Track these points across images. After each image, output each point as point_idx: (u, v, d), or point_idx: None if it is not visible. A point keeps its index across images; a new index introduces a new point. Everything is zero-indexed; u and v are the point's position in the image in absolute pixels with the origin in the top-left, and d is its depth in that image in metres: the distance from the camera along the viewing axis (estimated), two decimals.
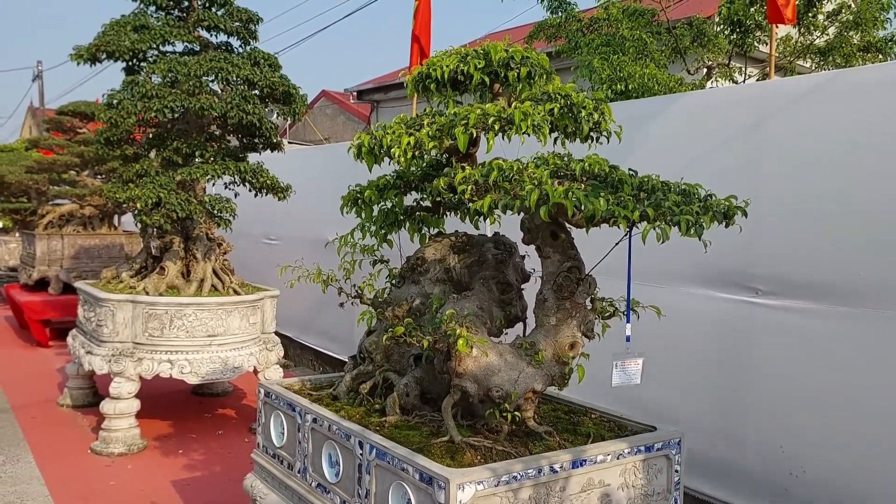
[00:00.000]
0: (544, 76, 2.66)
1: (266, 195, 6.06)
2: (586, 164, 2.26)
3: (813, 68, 7.85)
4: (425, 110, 2.64)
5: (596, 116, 2.54)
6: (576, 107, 2.52)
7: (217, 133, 6.13)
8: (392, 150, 2.43)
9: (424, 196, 3.15)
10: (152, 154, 6.00)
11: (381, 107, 16.76)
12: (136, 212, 5.54)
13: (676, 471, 2.74)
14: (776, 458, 3.90)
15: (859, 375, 3.46)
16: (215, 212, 5.67)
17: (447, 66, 2.57)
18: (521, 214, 2.53)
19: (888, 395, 3.33)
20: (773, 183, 3.86)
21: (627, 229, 2.24)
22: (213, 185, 5.88)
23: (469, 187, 2.28)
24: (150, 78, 5.49)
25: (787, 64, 7.87)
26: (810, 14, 7.22)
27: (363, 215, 2.94)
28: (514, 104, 2.39)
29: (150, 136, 6.04)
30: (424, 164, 2.91)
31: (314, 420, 2.85)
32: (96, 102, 10.16)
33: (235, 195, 5.99)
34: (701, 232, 2.12)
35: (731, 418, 4.07)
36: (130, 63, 5.98)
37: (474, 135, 2.40)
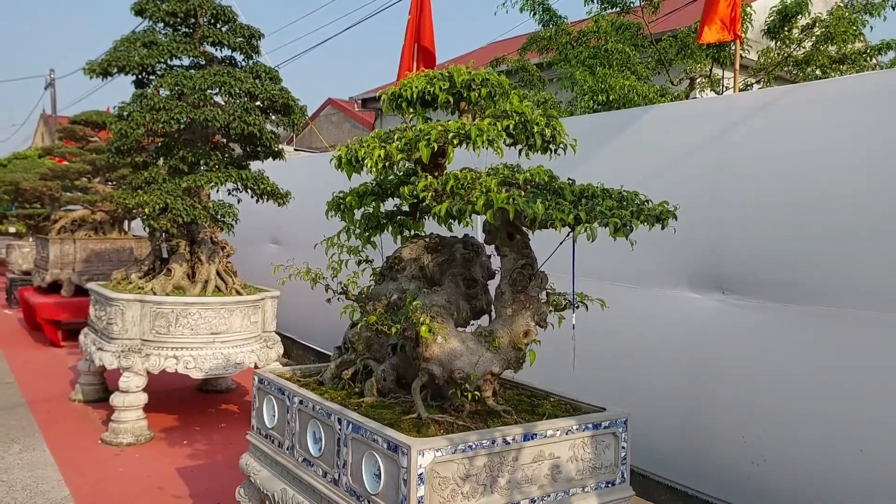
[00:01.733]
0: (505, 95, 3.00)
1: (266, 201, 6.42)
2: (529, 174, 2.60)
3: (792, 79, 8.15)
4: (398, 125, 2.98)
5: (548, 132, 2.87)
6: (529, 123, 2.85)
7: (221, 142, 6.50)
8: (365, 161, 2.77)
9: (402, 202, 3.49)
10: (160, 162, 6.37)
11: (386, 114, 17.12)
12: (145, 216, 5.90)
13: (623, 447, 3.05)
14: (739, 448, 4.19)
15: (818, 371, 3.72)
16: (219, 216, 6.03)
17: (416, 87, 2.91)
18: (483, 218, 2.86)
19: (845, 390, 3.58)
20: (736, 188, 4.17)
21: (569, 230, 2.57)
22: (218, 191, 6.24)
23: (430, 194, 2.62)
24: (158, 91, 5.85)
25: (767, 75, 8.18)
26: (785, 28, 7.54)
27: (346, 219, 3.27)
28: (475, 120, 2.73)
29: (158, 145, 6.41)
30: (401, 173, 3.25)
31: (301, 402, 3.19)
32: (107, 111, 10.56)
33: (238, 201, 6.34)
34: (629, 232, 2.44)
35: (698, 411, 4.36)
36: (140, 76, 6.37)
37: (435, 148, 2.73)
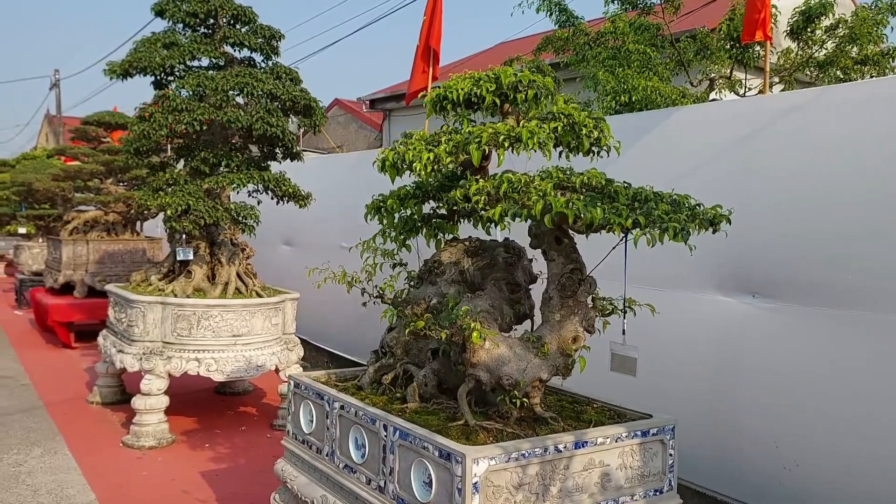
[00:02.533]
0: (549, 97, 2.96)
1: (287, 203, 6.38)
2: (585, 177, 2.56)
3: (813, 81, 8.11)
4: (442, 128, 2.94)
5: (596, 133, 2.83)
6: (577, 125, 2.81)
7: (238, 144, 6.46)
8: (413, 164, 2.73)
9: (440, 205, 3.45)
10: (180, 164, 6.34)
11: (394, 115, 17.10)
12: (166, 218, 5.86)
13: (670, 454, 3.01)
14: (771, 452, 4.15)
15: (850, 374, 3.67)
16: (240, 218, 5.99)
17: (462, 89, 2.87)
18: (529, 222, 2.82)
19: (880, 394, 3.54)
20: (766, 192, 4.13)
21: (622, 235, 2.53)
22: (238, 192, 6.20)
23: (482, 198, 2.58)
24: (180, 92, 5.81)
25: (788, 77, 8.13)
26: (808, 29, 7.50)
27: (385, 222, 3.23)
28: (521, 123, 2.69)
29: (177, 146, 6.37)
30: (441, 176, 3.21)
31: (342, 407, 3.15)
32: (114, 111, 10.53)
33: (258, 202, 6.30)
34: (687, 237, 2.40)
35: (727, 415, 4.32)
36: (158, 77, 6.33)
37: (486, 151, 2.69)
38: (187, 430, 6.05)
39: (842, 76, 7.58)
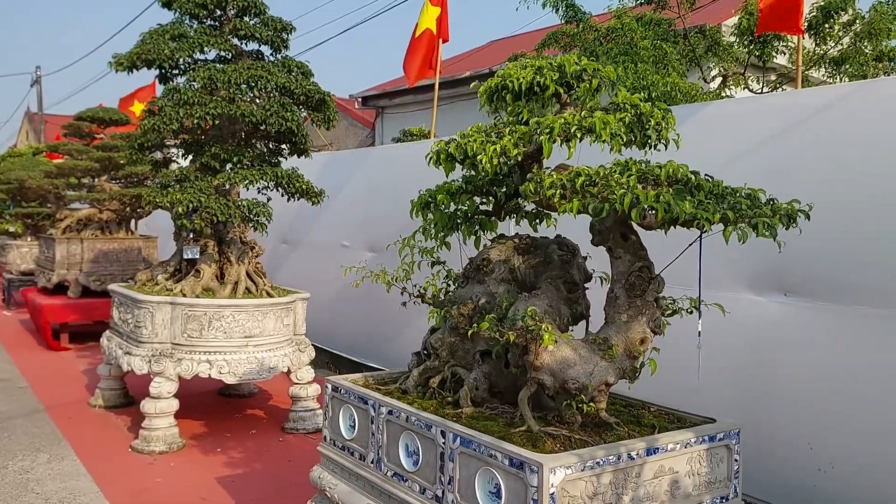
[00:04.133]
0: (612, 87, 2.83)
1: (298, 200, 6.20)
2: (669, 169, 2.43)
3: (826, 78, 8.07)
4: (502, 119, 2.80)
5: (663, 125, 2.71)
6: (644, 116, 2.68)
7: (245, 139, 6.27)
8: (478, 156, 2.59)
9: (485, 200, 3.31)
10: (188, 160, 6.14)
11: (386, 113, 16.93)
12: (176, 216, 5.67)
13: (735, 460, 2.90)
14: (805, 455, 4.06)
15: (889, 376, 3.59)
16: (252, 216, 5.81)
17: (524, 78, 2.73)
18: (592, 217, 2.68)
19: None
20: (801, 188, 4.03)
21: (700, 232, 2.40)
22: (248, 189, 6.02)
23: (557, 191, 2.44)
24: (191, 85, 5.62)
25: (802, 73, 8.07)
26: (826, 25, 7.44)
27: (434, 218, 3.09)
28: (596, 114, 2.56)
29: (184, 142, 6.18)
30: (491, 170, 3.07)
31: (389, 412, 3.00)
32: (100, 107, 10.27)
33: (268, 199, 6.13)
34: (775, 234, 2.28)
35: (761, 417, 4.22)
36: (164, 71, 6.14)
37: (558, 142, 2.56)
38: (197, 434, 5.86)
39: (855, 73, 7.54)
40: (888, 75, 7.60)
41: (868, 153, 3.70)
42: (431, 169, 3.06)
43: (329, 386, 3.44)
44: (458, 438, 2.63)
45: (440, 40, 8.01)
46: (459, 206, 3.08)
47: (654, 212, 2.24)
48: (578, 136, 2.53)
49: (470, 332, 2.72)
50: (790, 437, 4.07)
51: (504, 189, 3.07)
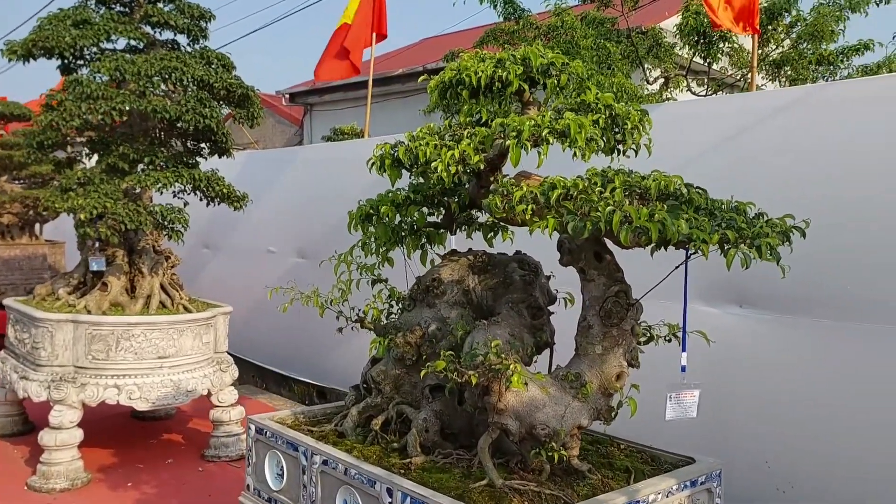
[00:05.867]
0: (581, 84, 2.47)
1: (219, 204, 5.66)
2: (661, 181, 2.07)
3: (765, 81, 7.98)
4: (459, 120, 2.40)
5: (640, 128, 2.36)
6: (620, 118, 2.32)
7: (160, 137, 5.69)
8: (433, 163, 2.18)
9: (432, 211, 2.91)
10: (93, 160, 5.53)
11: (315, 110, 16.33)
12: (78, 223, 5.06)
13: (717, 503, 2.58)
14: (763, 474, 3.85)
15: (849, 390, 3.47)
16: (166, 223, 5.24)
17: (484, 72, 2.33)
18: (570, 236, 2.31)
19: (878, 410, 3.36)
20: (752, 193, 3.81)
21: (686, 253, 2.07)
22: (161, 193, 5.44)
23: (528, 207, 2.05)
24: (95, 77, 5.02)
25: (739, 79, 7.97)
26: (770, 27, 7.33)
27: (377, 233, 2.67)
28: (567, 115, 2.18)
29: (88, 140, 5.56)
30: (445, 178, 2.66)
31: (325, 462, 2.56)
32: (1, 101, 9.42)
33: (185, 204, 5.56)
34: (779, 257, 1.95)
35: (715, 433, 3.99)
36: (67, 61, 5.51)
37: (529, 148, 2.18)
38: (105, 466, 5.25)
39: (795, 76, 7.46)
40: (827, 79, 7.57)
41: (821, 158, 3.53)
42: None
43: (252, 427, 2.97)
44: (408, 498, 2.22)
45: (374, 35, 7.58)
46: (406, 219, 2.66)
47: (646, 233, 1.88)
48: (550, 140, 2.15)
49: (424, 373, 2.30)
50: (747, 455, 3.87)
51: (457, 199, 2.66)
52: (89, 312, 5.10)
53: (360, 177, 6.68)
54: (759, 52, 7.66)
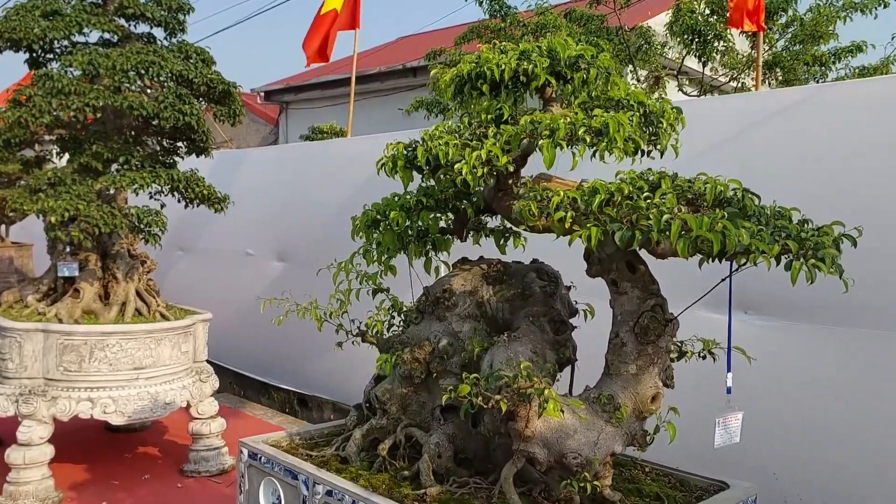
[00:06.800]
0: (607, 79, 2.26)
1: (198, 206, 5.39)
2: (717, 186, 1.87)
3: (755, 83, 7.86)
4: (480, 117, 2.18)
5: (676, 127, 2.17)
6: (654, 116, 2.13)
7: (134, 136, 5.40)
8: (456, 165, 1.96)
9: (441, 216, 2.69)
10: (64, 159, 5.22)
11: (291, 108, 16.01)
12: (49, 226, 4.76)
13: None
14: (770, 484, 3.71)
15: (860, 399, 3.37)
16: (143, 226, 4.95)
17: (508, 65, 2.12)
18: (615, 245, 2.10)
19: (882, 417, 3.27)
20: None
21: (742, 264, 1.87)
22: (137, 195, 5.15)
23: (568, 214, 1.85)
24: (66, 71, 4.72)
25: (730, 80, 7.85)
26: (766, 26, 7.21)
27: (384, 240, 2.44)
28: (596, 111, 1.98)
29: (60, 138, 5.25)
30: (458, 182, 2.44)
31: (329, 493, 2.33)
32: None
33: (162, 206, 5.28)
34: (842, 270, 1.77)
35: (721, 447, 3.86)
36: (35, 54, 5.20)
37: (563, 148, 1.97)
38: (77, 484, 4.95)
39: (786, 78, 7.35)
40: (818, 80, 7.49)
41: (827, 160, 3.40)
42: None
43: (245, 451, 2.73)
44: None
45: (356, 30, 7.34)
46: (415, 225, 2.44)
47: (704, 244, 1.68)
48: (587, 139, 1.95)
49: (445, 398, 2.07)
50: (753, 466, 3.73)
51: (472, 203, 2.45)
52: (60, 321, 4.80)
53: (343, 177, 6.49)
54: (753, 52, 7.56)
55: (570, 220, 1.85)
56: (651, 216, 1.74)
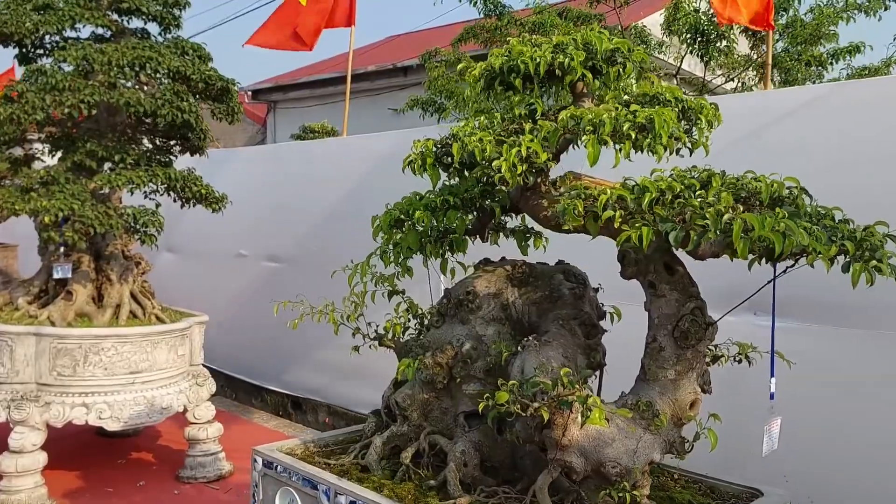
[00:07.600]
0: (641, 74, 2.19)
1: (194, 206, 5.27)
2: (772, 185, 1.81)
3: (754, 83, 7.86)
4: (515, 112, 2.10)
5: (714, 123, 2.10)
6: (692, 112, 2.06)
7: (128, 134, 5.26)
8: (494, 162, 1.88)
9: (462, 215, 2.60)
10: (55, 157, 5.09)
11: (279, 107, 15.85)
12: (42, 227, 4.63)
13: None
14: (780, 488, 3.68)
15: (872, 402, 3.34)
16: (139, 226, 4.83)
17: (542, 58, 2.04)
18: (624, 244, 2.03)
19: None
20: None
21: (790, 265, 1.80)
22: (132, 194, 5.02)
23: (617, 213, 1.77)
24: (60, 67, 4.59)
25: (730, 79, 7.83)
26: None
27: (406, 241, 2.35)
28: (634, 107, 1.91)
29: (51, 136, 5.11)
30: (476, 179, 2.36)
31: (352, 503, 2.24)
32: None
33: (157, 206, 5.15)
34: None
35: (730, 445, 3.81)
36: (26, 50, 5.06)
37: (608, 144, 1.89)
38: (70, 491, 4.82)
39: (784, 78, 7.33)
40: (815, 81, 7.48)
41: (838, 160, 3.36)
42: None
43: (259, 460, 2.62)
44: None
45: (351, 27, 7.23)
46: (440, 224, 2.35)
47: (778, 245, 1.60)
48: (632, 135, 1.87)
49: (482, 406, 1.97)
50: (764, 469, 3.66)
51: (498, 202, 2.36)
52: (53, 324, 4.67)
53: (340, 177, 6.38)
54: (752, 53, 7.54)
55: (619, 220, 1.78)
56: (708, 215, 1.67)
